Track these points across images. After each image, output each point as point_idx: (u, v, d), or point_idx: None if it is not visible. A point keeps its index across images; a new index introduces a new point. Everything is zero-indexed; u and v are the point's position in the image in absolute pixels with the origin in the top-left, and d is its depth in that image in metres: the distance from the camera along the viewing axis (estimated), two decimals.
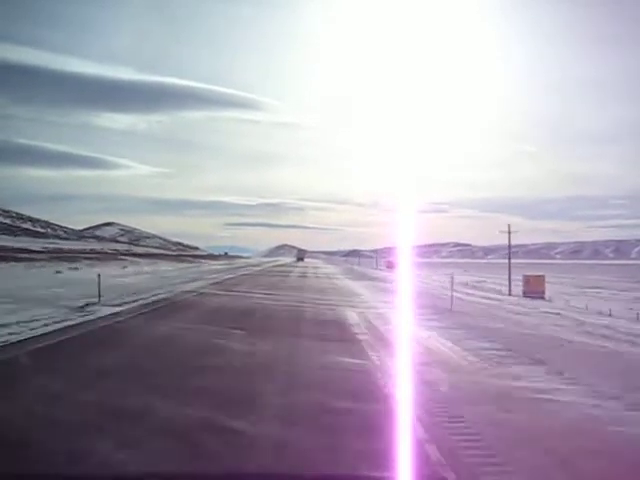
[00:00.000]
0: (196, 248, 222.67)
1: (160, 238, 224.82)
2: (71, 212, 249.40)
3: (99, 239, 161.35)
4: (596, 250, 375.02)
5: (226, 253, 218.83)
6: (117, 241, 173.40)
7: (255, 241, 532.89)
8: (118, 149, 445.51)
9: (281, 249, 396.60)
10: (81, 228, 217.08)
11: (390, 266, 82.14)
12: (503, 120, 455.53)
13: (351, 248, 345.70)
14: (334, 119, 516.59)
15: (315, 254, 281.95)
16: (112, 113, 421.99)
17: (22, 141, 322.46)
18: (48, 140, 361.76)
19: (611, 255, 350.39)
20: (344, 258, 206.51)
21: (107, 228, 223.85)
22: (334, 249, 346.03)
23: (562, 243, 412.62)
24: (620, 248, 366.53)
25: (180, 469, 4.25)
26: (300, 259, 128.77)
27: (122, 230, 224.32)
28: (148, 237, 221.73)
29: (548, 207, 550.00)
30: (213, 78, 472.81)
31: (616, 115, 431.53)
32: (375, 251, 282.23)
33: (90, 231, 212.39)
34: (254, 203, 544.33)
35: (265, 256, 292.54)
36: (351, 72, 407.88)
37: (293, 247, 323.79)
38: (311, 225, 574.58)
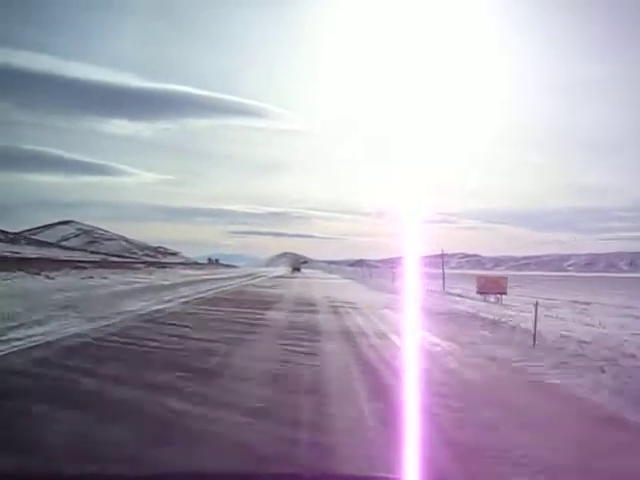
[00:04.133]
0: (175, 254, 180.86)
1: (126, 241, 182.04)
2: (77, 218, 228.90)
3: (36, 243, 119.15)
4: (611, 263, 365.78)
5: (217, 260, 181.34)
6: (59, 245, 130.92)
7: (260, 250, 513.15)
8: (124, 156, 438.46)
9: (283, 257, 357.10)
10: (29, 227, 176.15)
11: (485, 288, 39.54)
12: (508, 130, 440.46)
13: (357, 257, 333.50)
14: (340, 127, 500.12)
15: (319, 263, 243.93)
16: (118, 120, 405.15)
17: (27, 147, 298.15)
18: (53, 146, 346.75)
19: (625, 268, 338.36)
20: (352, 268, 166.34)
21: (63, 227, 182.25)
22: (339, 258, 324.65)
23: (574, 255, 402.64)
24: (635, 261, 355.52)
25: (181, 469, 3.64)
26: (296, 269, 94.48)
27: (79, 230, 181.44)
28: (111, 239, 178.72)
29: (554, 218, 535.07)
30: (219, 86, 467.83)
31: (623, 125, 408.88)
32: (382, 261, 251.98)
33: (38, 231, 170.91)
34: (260, 212, 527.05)
35: (267, 265, 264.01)
36: (357, 79, 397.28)
37: (296, 255, 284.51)
38: (317, 234, 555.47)
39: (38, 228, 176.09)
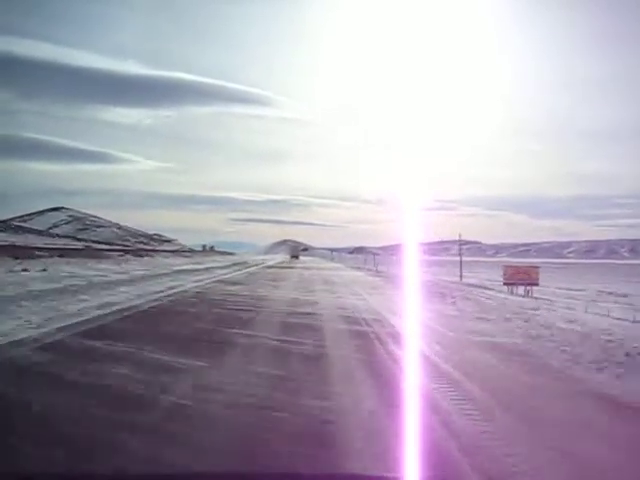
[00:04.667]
0: (170, 241, 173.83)
1: (120, 228, 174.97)
2: (78, 206, 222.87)
3: (15, 230, 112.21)
4: (611, 249, 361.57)
5: (212, 247, 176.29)
6: (41, 232, 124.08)
7: (260, 237, 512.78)
8: (125, 144, 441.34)
9: (283, 244, 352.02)
10: (21, 214, 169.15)
11: (514, 279, 34.43)
12: (508, 118, 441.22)
13: (357, 245, 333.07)
14: (341, 115, 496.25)
15: (319, 251, 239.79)
16: (119, 108, 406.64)
17: (29, 135, 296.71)
18: (55, 134, 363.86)
19: (626, 255, 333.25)
20: (352, 255, 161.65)
21: (54, 214, 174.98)
22: (339, 246, 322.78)
23: (574, 242, 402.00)
24: (635, 247, 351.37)
25: (180, 469, 3.45)
26: (295, 257, 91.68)
27: (71, 217, 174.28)
28: (103, 226, 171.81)
29: (553, 205, 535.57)
30: (221, 74, 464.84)
31: (622, 113, 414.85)
32: (382, 248, 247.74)
33: (28, 217, 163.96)
34: (260, 199, 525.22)
35: (266, 252, 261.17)
36: (358, 68, 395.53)
37: (296, 242, 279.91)
38: (317, 222, 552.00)
39: (29, 215, 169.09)
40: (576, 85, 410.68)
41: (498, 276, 51.60)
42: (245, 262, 53.95)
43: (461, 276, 46.73)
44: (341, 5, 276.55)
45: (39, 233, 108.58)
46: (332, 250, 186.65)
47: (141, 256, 43.62)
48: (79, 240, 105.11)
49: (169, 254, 61.36)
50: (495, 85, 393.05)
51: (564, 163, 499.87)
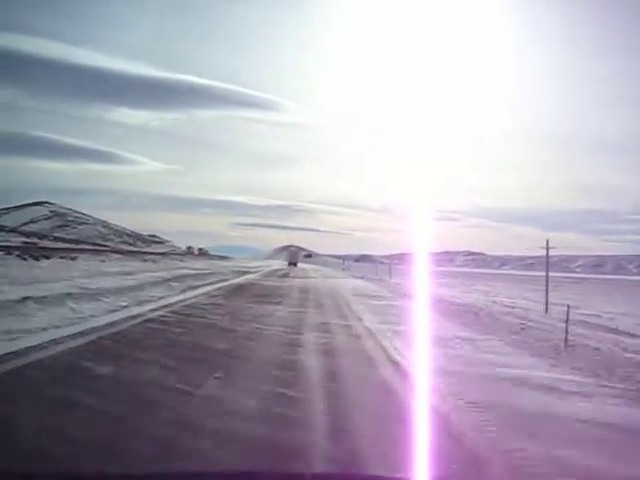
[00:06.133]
0: (162, 242, 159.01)
1: (105, 226, 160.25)
2: (83, 206, 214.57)
3: None
4: (619, 265, 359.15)
5: (201, 250, 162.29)
6: (15, 232, 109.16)
7: (264, 242, 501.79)
8: (132, 145, 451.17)
9: (285, 250, 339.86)
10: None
11: None
12: (515, 129, 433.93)
13: (361, 253, 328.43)
14: (348, 122, 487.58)
15: (323, 257, 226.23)
16: (126, 108, 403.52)
17: (35, 133, 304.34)
18: (63, 133, 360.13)
19: (634, 270, 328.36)
20: (359, 264, 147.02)
21: (36, 209, 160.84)
22: (343, 253, 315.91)
23: (582, 256, 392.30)
24: None
25: (180, 468, 3.70)
26: (293, 264, 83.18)
27: (52, 212, 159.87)
28: (85, 223, 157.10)
29: (560, 219, 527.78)
30: (228, 77, 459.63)
31: (631, 126, 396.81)
32: (386, 257, 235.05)
33: (3, 212, 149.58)
34: (264, 204, 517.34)
35: (267, 257, 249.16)
36: (365, 74, 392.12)
37: (300, 248, 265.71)
38: (321, 228, 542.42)
39: (7, 209, 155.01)
40: (583, 93, 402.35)
41: (557, 297, 34.18)
42: (219, 272, 37.79)
43: (547, 305, 30.07)
44: (348, 11, 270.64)
45: (2, 229, 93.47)
46: (344, 258, 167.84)
47: (36, 259, 27.64)
48: (36, 237, 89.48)
49: (125, 257, 45.65)
50: (501, 94, 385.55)
51: (571, 175, 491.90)
